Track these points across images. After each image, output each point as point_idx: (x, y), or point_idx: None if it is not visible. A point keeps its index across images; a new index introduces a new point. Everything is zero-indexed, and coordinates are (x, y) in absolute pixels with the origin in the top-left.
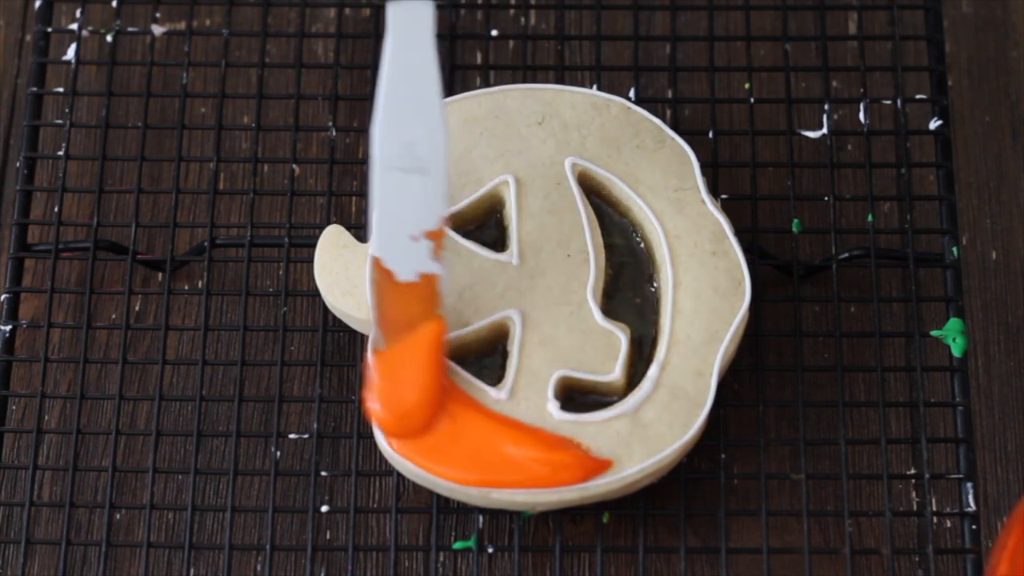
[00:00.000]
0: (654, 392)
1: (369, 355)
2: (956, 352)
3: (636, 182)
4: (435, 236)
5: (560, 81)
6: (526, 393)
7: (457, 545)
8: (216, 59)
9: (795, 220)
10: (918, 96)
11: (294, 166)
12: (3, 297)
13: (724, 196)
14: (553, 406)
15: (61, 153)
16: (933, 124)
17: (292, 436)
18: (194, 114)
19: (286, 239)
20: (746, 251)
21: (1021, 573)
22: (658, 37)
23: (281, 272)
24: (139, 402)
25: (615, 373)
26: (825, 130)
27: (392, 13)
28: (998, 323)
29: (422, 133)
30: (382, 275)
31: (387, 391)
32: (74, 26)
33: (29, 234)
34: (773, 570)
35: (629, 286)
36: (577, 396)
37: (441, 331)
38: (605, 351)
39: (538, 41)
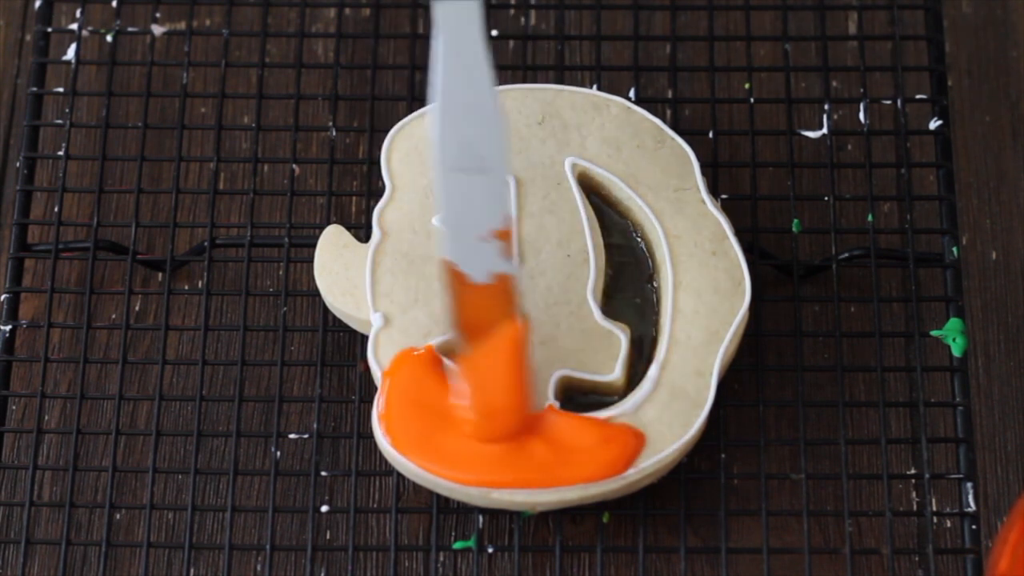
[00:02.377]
0: (654, 392)
1: (451, 362)
2: (956, 352)
3: (636, 182)
4: (503, 235)
5: (560, 81)
6: None
7: (457, 545)
8: (216, 59)
9: (795, 220)
10: (918, 96)
11: (294, 166)
12: (3, 297)
13: (724, 196)
14: (553, 406)
15: (61, 153)
16: (933, 124)
17: (292, 436)
18: (194, 114)
19: (286, 239)
20: (746, 251)
21: (1022, 569)
22: (658, 37)
23: (281, 272)
24: (139, 402)
25: (615, 373)
26: (825, 130)
27: (440, 12)
28: (998, 323)
29: (480, 132)
30: (455, 279)
31: (476, 397)
32: (74, 26)
33: (29, 234)
34: (773, 570)
35: (629, 286)
36: (577, 396)
37: (523, 331)
38: (605, 351)
39: (538, 41)
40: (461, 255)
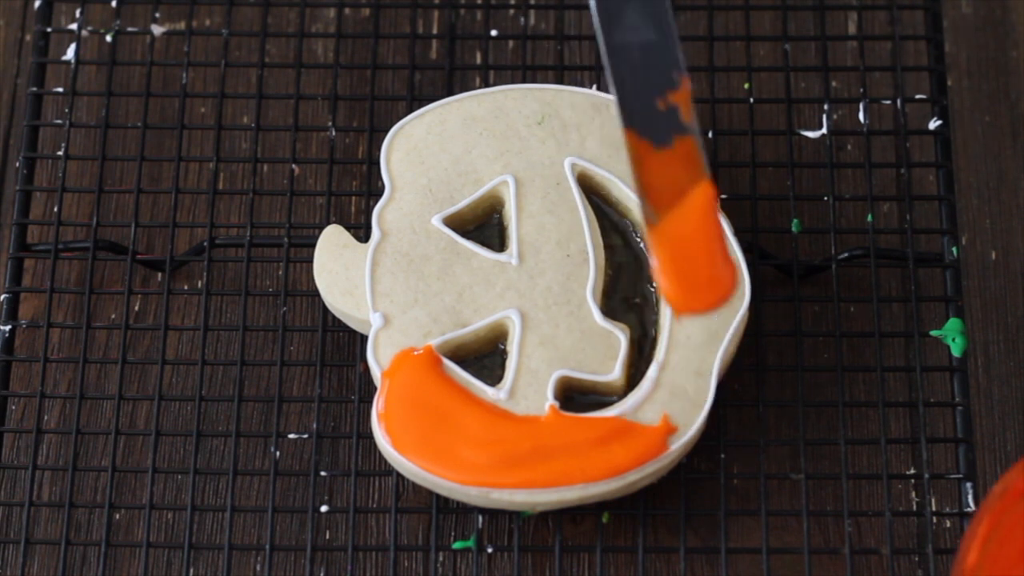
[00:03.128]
0: (654, 392)
1: (643, 234)
2: (956, 352)
3: None
4: (680, 98)
5: (560, 81)
6: (525, 393)
7: (457, 545)
8: (216, 59)
9: (795, 220)
10: (918, 96)
11: (294, 166)
12: (3, 297)
13: (724, 196)
14: (553, 406)
15: (61, 153)
16: (933, 124)
17: (292, 436)
18: (194, 114)
19: (286, 239)
20: (746, 251)
21: (991, 562)
22: None
23: (281, 272)
24: (139, 402)
25: (615, 373)
26: (825, 130)
27: None
28: (998, 323)
29: (641, 2)
30: (639, 147)
31: (672, 265)
32: (74, 26)
33: (29, 234)
34: (773, 570)
35: (629, 286)
36: (577, 396)
37: (712, 192)
38: (605, 351)
39: (538, 41)
40: (640, 123)
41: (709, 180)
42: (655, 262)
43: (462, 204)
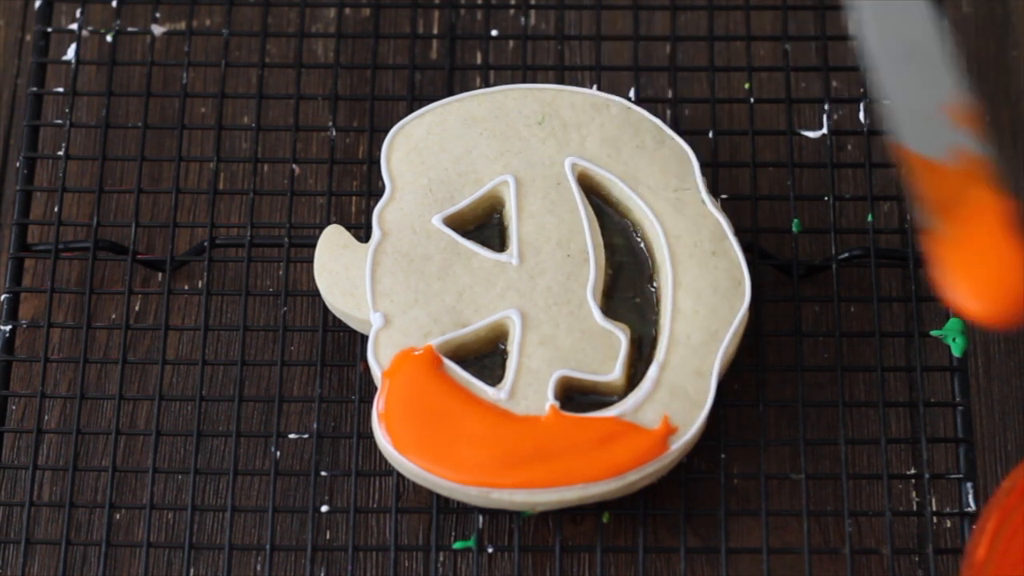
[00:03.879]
0: (654, 392)
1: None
2: (956, 352)
3: (636, 182)
4: (951, 111)
5: (560, 81)
6: (526, 393)
7: (457, 545)
8: (216, 59)
9: (795, 220)
10: None
11: (294, 166)
12: (3, 297)
13: (724, 196)
14: (553, 406)
15: (61, 153)
16: None
17: (292, 436)
18: (194, 114)
19: (286, 239)
20: (746, 251)
21: (1000, 557)
22: (658, 37)
23: (281, 272)
24: (139, 402)
25: (615, 373)
26: (825, 130)
27: None
28: None
29: (907, 20)
30: (918, 164)
31: (969, 276)
32: (74, 26)
33: (29, 234)
34: (773, 570)
35: (629, 286)
36: (577, 396)
37: (995, 194)
38: (605, 351)
39: (538, 41)
40: (915, 137)
41: (994, 194)
42: (945, 280)
43: (462, 204)
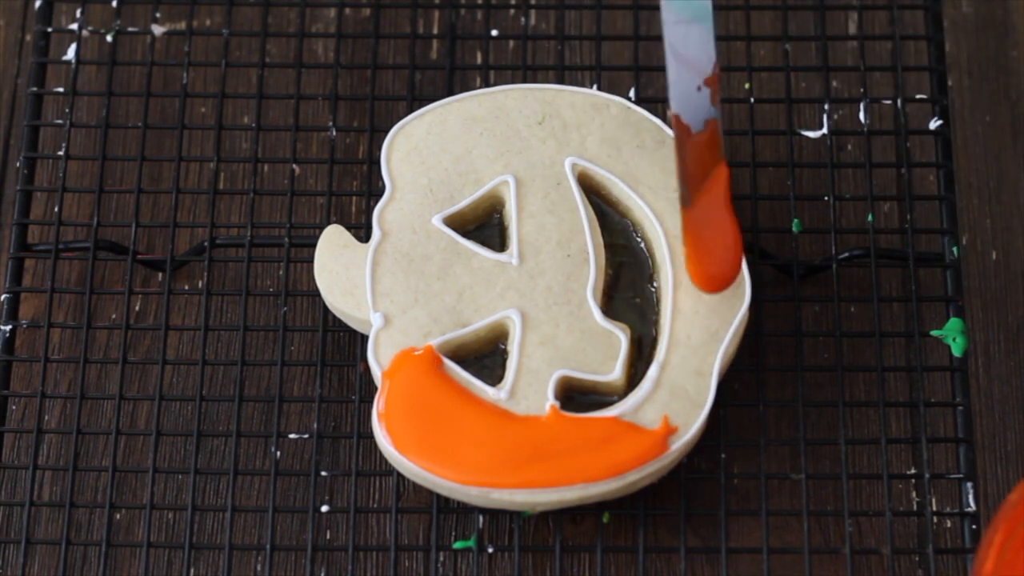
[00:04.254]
0: (654, 392)
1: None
2: (956, 352)
3: (636, 182)
4: (712, 82)
5: (560, 81)
6: (526, 393)
7: (457, 545)
8: (216, 59)
9: (795, 220)
10: (918, 96)
11: (294, 166)
12: (3, 297)
13: None
14: (553, 406)
15: (61, 153)
16: (933, 124)
17: (292, 436)
18: (194, 114)
19: (286, 239)
20: (746, 251)
21: (1007, 569)
22: (658, 37)
23: (281, 272)
24: (139, 402)
25: (615, 373)
26: (825, 130)
27: None
28: (998, 323)
29: None
30: (682, 132)
31: (700, 244)
32: (74, 26)
33: (29, 234)
34: (773, 570)
35: (629, 286)
36: (577, 396)
37: (728, 174)
38: (605, 351)
39: (538, 41)
40: (684, 107)
41: (725, 162)
42: (687, 246)
43: (462, 204)
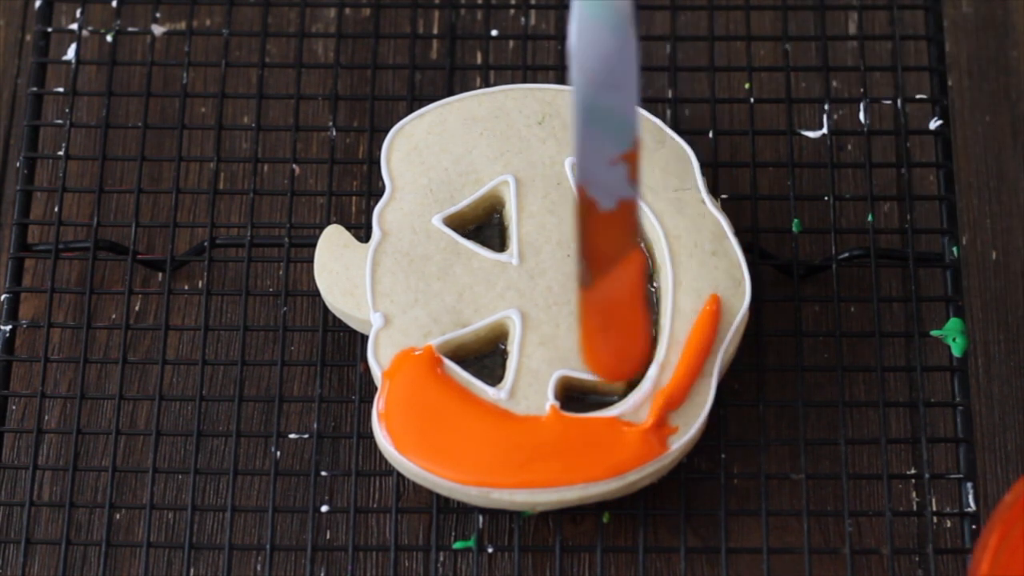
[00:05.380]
0: (654, 392)
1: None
2: (956, 352)
3: None
4: (630, 159)
5: (560, 81)
6: (526, 393)
7: (457, 545)
8: (216, 59)
9: (795, 220)
10: (918, 96)
11: (294, 166)
12: (3, 297)
13: (724, 196)
14: (553, 406)
15: (61, 153)
16: (933, 124)
17: (292, 436)
18: (194, 114)
19: (286, 239)
20: (746, 251)
21: (1003, 571)
22: (658, 37)
23: (281, 272)
24: (139, 402)
25: None
26: (825, 130)
27: None
28: (998, 323)
29: (616, 46)
30: (586, 206)
31: (600, 330)
32: (74, 26)
33: (29, 234)
34: (773, 570)
35: None
36: (577, 396)
37: (643, 261)
38: None
39: (538, 41)
40: (591, 181)
41: (639, 248)
42: (582, 327)
43: (463, 204)
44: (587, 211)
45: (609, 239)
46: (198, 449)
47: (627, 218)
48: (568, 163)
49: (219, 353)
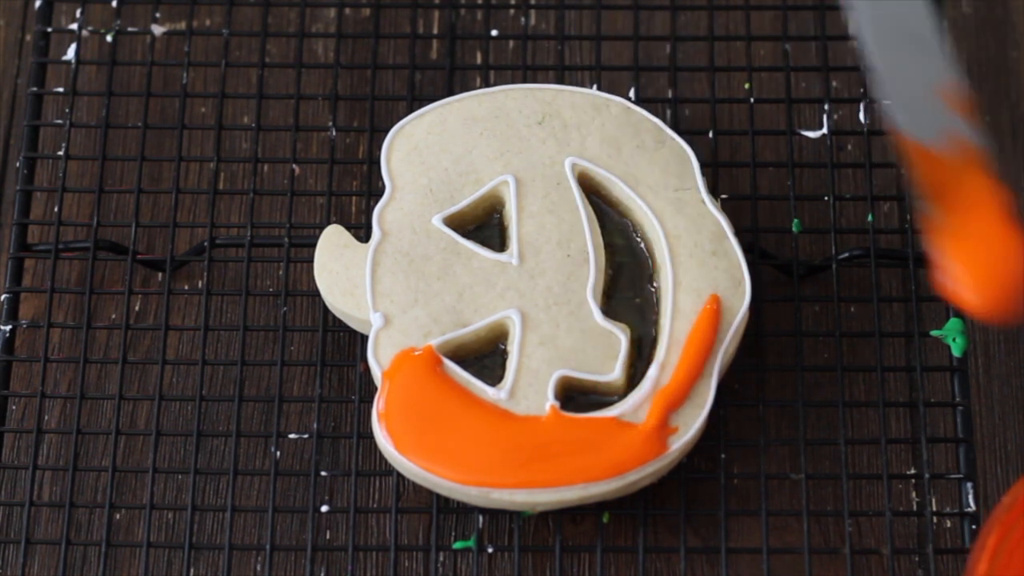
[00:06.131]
0: (654, 392)
1: (928, 239)
2: (956, 352)
3: (636, 182)
4: (946, 96)
5: (560, 81)
6: (526, 393)
7: (457, 545)
8: (216, 59)
9: (795, 220)
10: None
11: (294, 166)
12: (3, 297)
13: (724, 196)
14: (553, 406)
15: (61, 153)
16: None
17: (292, 436)
18: (194, 114)
19: (286, 239)
20: (746, 251)
21: (1001, 573)
22: (658, 37)
23: (281, 272)
24: (139, 402)
25: (615, 373)
26: (825, 130)
27: None
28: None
29: (902, 7)
30: (912, 150)
31: (972, 263)
32: (74, 26)
33: (29, 234)
34: (773, 570)
35: (629, 286)
36: (577, 396)
37: (991, 183)
38: (605, 351)
39: (538, 41)
40: (913, 124)
41: (989, 176)
42: (950, 270)
43: (463, 204)
44: (917, 155)
45: (948, 174)
46: (198, 449)
47: (964, 153)
48: (568, 163)
49: (219, 353)
